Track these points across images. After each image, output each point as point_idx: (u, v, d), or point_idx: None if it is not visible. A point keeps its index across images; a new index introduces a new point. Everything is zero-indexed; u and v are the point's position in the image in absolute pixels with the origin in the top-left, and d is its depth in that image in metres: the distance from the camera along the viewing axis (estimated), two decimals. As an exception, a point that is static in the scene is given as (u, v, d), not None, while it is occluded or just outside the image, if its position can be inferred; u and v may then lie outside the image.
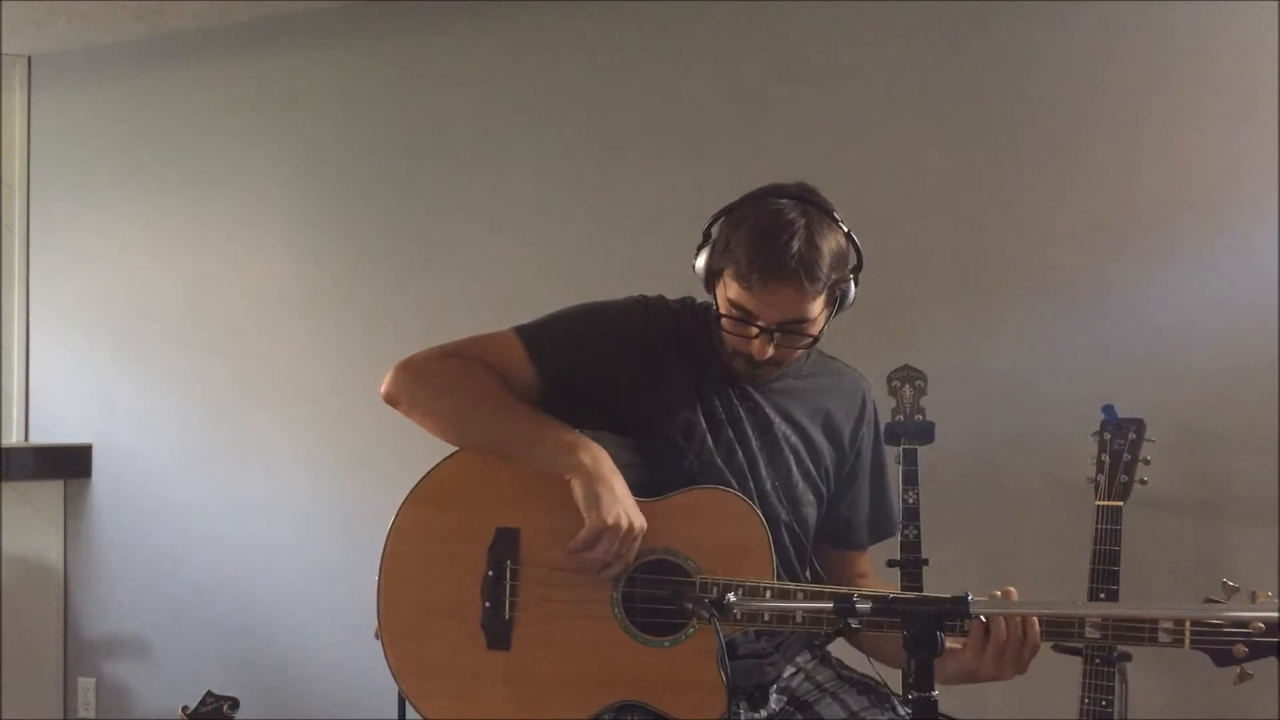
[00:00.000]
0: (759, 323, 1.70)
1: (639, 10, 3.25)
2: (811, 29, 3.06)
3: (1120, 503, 2.30)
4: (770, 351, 1.72)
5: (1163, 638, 1.55)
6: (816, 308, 1.72)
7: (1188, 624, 1.56)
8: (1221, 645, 1.54)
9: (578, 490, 1.66)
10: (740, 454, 1.79)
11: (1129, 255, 2.72)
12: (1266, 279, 2.58)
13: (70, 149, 3.99)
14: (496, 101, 3.43)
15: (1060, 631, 1.58)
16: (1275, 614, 1.51)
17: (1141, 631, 1.57)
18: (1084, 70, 2.78)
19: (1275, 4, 2.58)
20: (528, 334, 1.82)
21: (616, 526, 1.64)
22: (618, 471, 1.70)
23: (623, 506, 1.65)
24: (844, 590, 1.67)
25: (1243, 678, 1.55)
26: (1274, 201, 2.57)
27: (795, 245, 1.65)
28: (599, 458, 1.69)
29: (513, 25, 3.41)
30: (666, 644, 1.70)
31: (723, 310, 1.74)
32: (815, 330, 1.74)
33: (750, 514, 1.71)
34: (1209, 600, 1.58)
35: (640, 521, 1.67)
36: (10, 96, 4.01)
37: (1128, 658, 2.29)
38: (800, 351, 1.78)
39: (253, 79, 3.74)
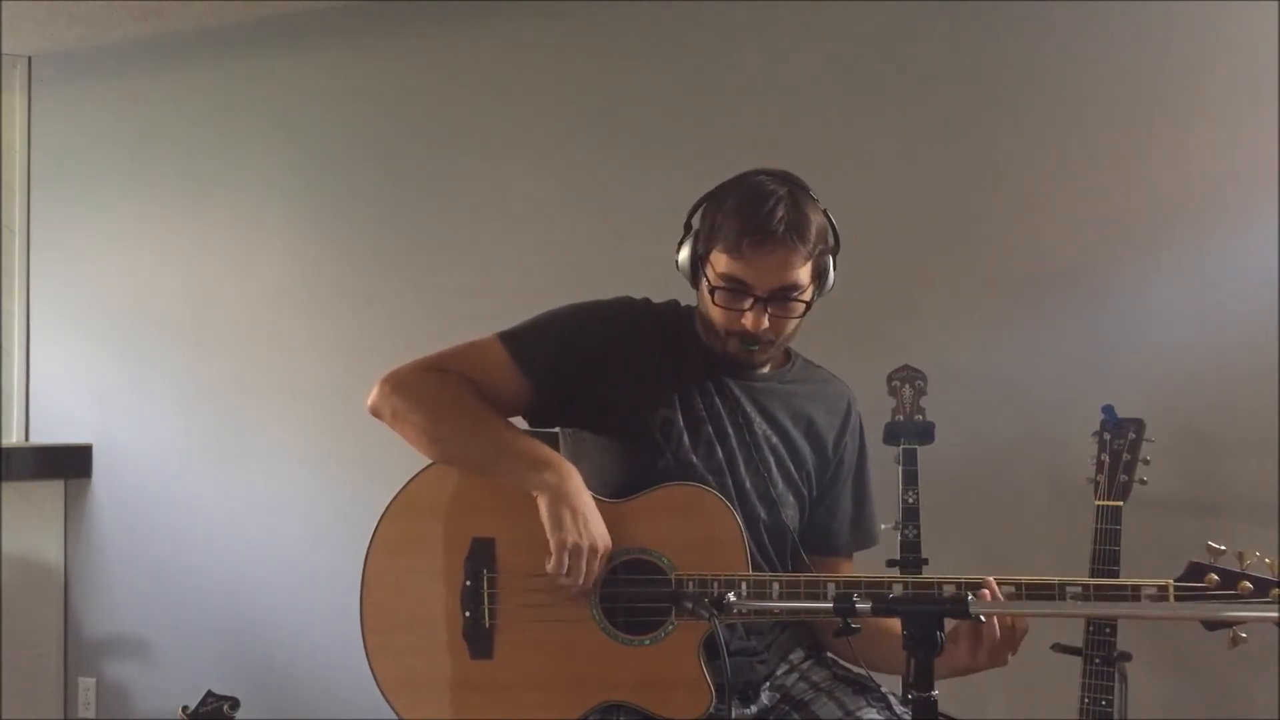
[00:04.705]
0: (753, 292, 1.72)
1: (638, 10, 3.26)
2: (811, 29, 3.06)
3: (1120, 503, 2.30)
4: (765, 323, 1.73)
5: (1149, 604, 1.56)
6: (805, 275, 1.74)
7: (1171, 586, 1.57)
8: None
9: (543, 509, 1.69)
10: (719, 452, 1.79)
11: (1129, 255, 2.72)
12: (1266, 279, 2.58)
13: (70, 149, 3.99)
14: (496, 101, 3.43)
15: (1043, 595, 1.61)
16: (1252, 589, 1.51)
17: (1124, 591, 1.58)
18: (1084, 70, 2.78)
19: (1275, 4, 2.58)
20: (511, 338, 1.83)
21: (577, 548, 1.66)
22: (585, 489, 1.72)
23: (584, 526, 1.67)
24: (820, 577, 1.69)
25: (1235, 641, 1.55)
26: (1274, 201, 2.58)
27: (781, 210, 1.70)
28: (566, 475, 1.71)
29: (511, 25, 3.41)
30: (647, 642, 1.71)
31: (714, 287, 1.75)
32: (805, 298, 1.75)
33: (722, 508, 1.72)
34: (1194, 563, 1.59)
35: (604, 541, 1.69)
36: (10, 96, 4.01)
37: (1128, 657, 2.29)
38: (794, 323, 1.78)
39: (253, 79, 3.74)
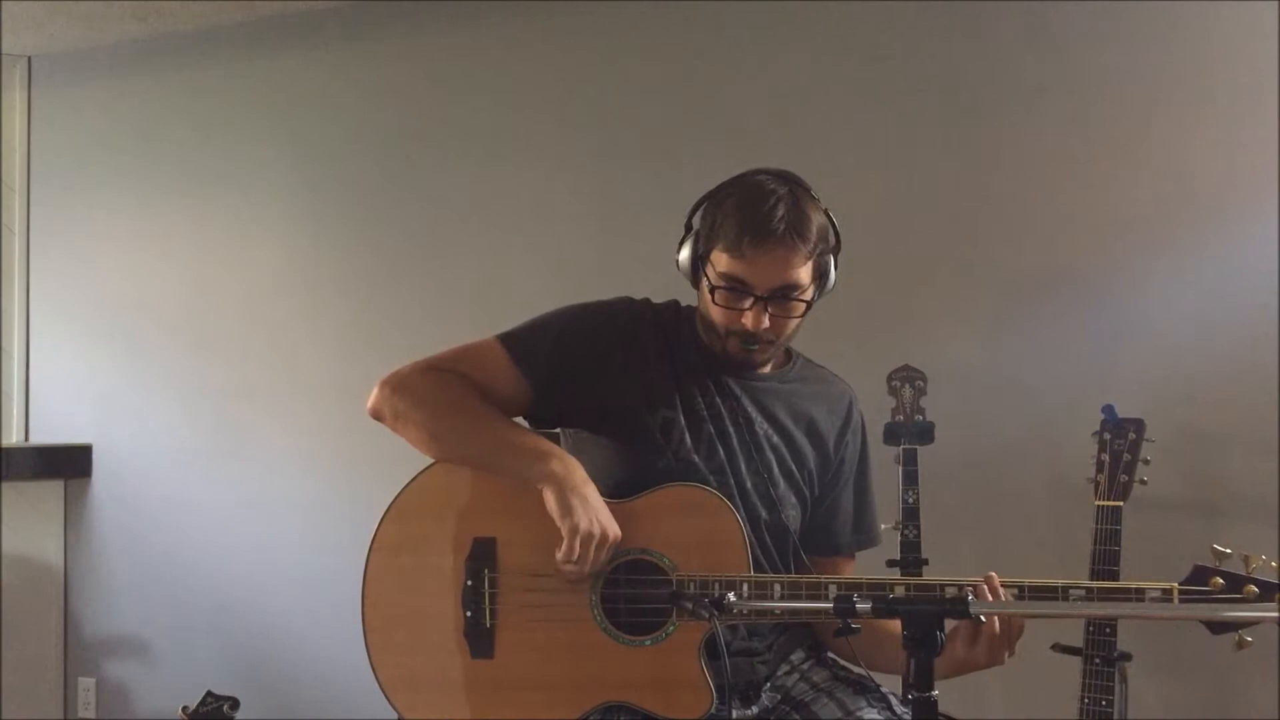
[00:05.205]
0: (753, 292, 1.72)
1: (639, 10, 3.26)
2: (811, 29, 3.06)
3: (1120, 503, 2.30)
4: (765, 322, 1.73)
5: (1150, 604, 1.56)
6: (806, 274, 1.74)
7: (1175, 590, 1.56)
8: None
9: (550, 499, 1.69)
10: (721, 452, 1.80)
11: (1129, 255, 2.72)
12: (1266, 279, 2.58)
13: (70, 149, 3.99)
14: (496, 101, 3.43)
15: (1046, 595, 1.60)
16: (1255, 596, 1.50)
17: (1129, 594, 1.57)
18: (1084, 70, 2.78)
19: (1275, 4, 2.58)
20: (511, 339, 1.83)
21: (589, 534, 1.66)
22: (590, 481, 1.72)
23: (595, 514, 1.67)
24: (821, 579, 1.69)
25: (1241, 645, 1.55)
26: (1274, 201, 2.57)
27: (781, 209, 1.70)
28: (571, 467, 1.71)
29: (513, 25, 3.41)
30: (648, 643, 1.71)
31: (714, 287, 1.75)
32: (806, 298, 1.75)
33: (724, 508, 1.72)
34: (1199, 566, 1.58)
35: (614, 529, 1.69)
36: (10, 96, 4.01)
37: (1127, 657, 2.29)
38: (795, 323, 1.78)
39: (253, 79, 3.74)
